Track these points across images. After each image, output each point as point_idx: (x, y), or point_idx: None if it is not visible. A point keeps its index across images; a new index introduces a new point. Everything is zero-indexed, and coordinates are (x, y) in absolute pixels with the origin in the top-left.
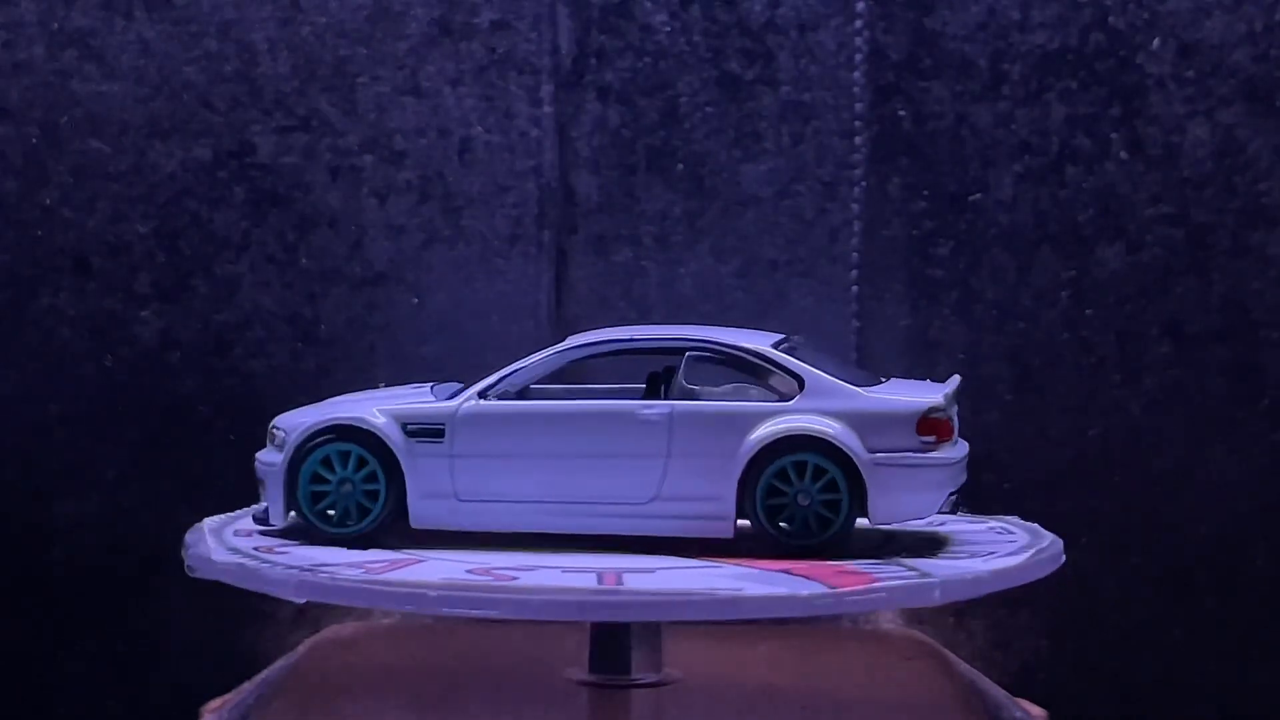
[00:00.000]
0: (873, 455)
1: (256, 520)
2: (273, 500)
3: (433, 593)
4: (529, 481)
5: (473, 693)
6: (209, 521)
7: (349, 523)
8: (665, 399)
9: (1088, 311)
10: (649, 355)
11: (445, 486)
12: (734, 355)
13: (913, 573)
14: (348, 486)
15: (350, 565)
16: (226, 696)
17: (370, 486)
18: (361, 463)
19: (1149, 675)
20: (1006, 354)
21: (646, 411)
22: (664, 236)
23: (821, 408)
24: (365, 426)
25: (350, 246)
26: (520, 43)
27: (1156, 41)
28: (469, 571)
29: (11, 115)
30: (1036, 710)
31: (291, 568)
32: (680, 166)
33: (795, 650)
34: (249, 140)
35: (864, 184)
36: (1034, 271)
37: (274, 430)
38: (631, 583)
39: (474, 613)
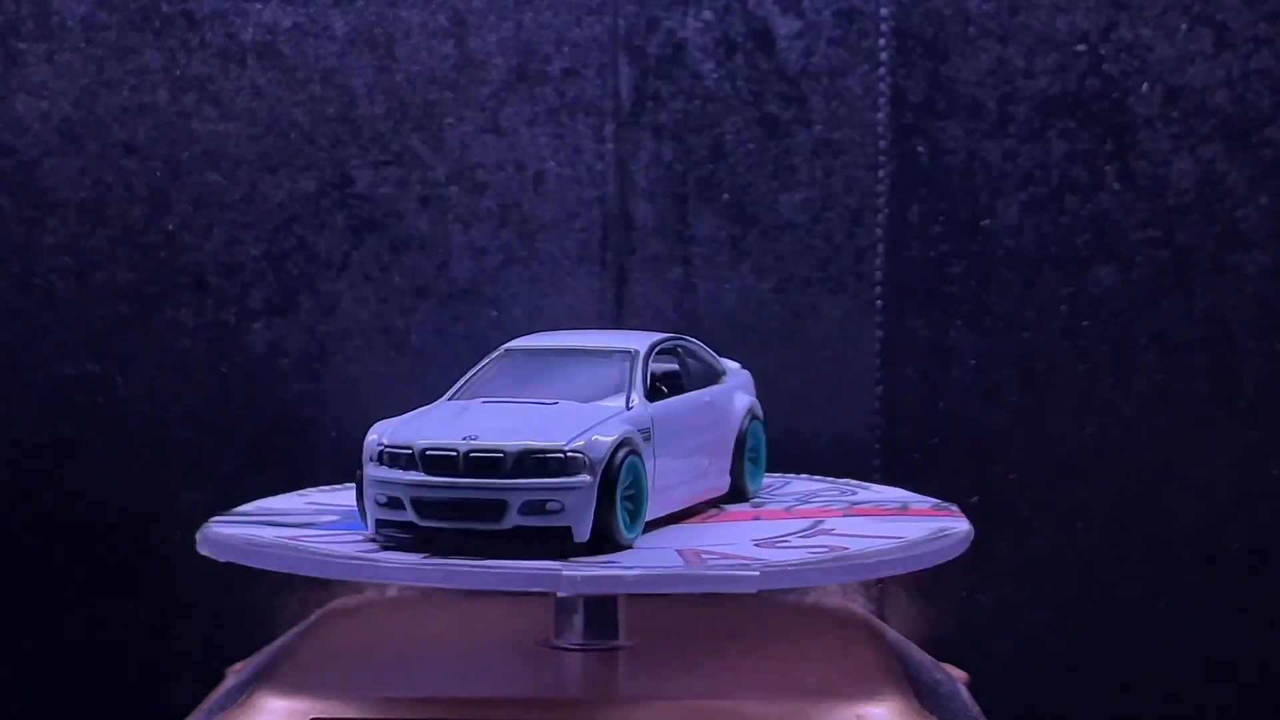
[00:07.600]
0: None
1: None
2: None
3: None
4: None
5: (457, 656)
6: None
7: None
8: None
9: (1084, 323)
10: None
11: None
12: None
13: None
14: None
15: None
16: (248, 660)
17: None
18: None
19: (1139, 643)
20: (1013, 360)
21: (706, 399)
22: (711, 257)
23: (745, 386)
24: None
25: (438, 266)
26: (587, 88)
27: (1145, 86)
28: None
29: (138, 151)
30: (958, 672)
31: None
32: (725, 196)
33: (743, 620)
34: (348, 173)
35: (887, 211)
36: (1037, 288)
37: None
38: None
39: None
